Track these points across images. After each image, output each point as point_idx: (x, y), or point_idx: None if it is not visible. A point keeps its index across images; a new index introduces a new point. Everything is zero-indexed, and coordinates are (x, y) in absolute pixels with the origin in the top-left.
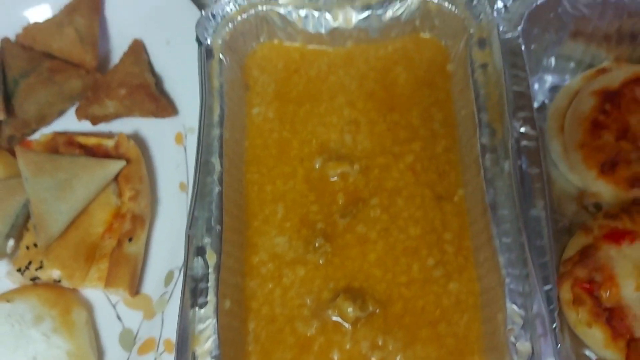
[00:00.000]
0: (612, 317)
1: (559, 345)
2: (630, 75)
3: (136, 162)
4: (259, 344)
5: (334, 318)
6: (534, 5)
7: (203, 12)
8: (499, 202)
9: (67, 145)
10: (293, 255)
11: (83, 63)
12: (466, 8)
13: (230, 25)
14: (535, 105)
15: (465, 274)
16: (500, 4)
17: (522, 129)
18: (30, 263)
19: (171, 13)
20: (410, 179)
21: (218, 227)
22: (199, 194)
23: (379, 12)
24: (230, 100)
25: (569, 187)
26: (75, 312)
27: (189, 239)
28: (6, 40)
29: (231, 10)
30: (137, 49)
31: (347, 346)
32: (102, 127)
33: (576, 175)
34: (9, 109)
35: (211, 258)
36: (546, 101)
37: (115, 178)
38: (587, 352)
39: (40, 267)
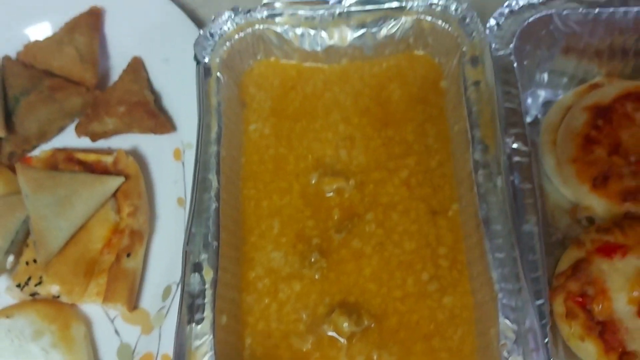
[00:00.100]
0: (604, 330)
1: None
2: (622, 91)
3: (135, 178)
4: None
5: (330, 333)
6: (526, 23)
7: (201, 31)
8: (492, 218)
9: (67, 162)
10: (289, 270)
11: (83, 81)
12: (459, 26)
13: (227, 43)
14: (529, 119)
15: (459, 288)
16: (492, 22)
17: (515, 145)
18: (29, 279)
19: (170, 31)
20: (404, 193)
21: (215, 243)
22: (196, 211)
23: (374, 30)
24: (228, 117)
25: (562, 201)
26: (74, 327)
27: (186, 255)
28: (7, 58)
29: (229, 29)
30: (137, 67)
31: None
32: (102, 143)
33: (569, 189)
34: (10, 126)
35: (208, 274)
36: (539, 116)
37: (114, 194)
38: None
39: (40, 283)
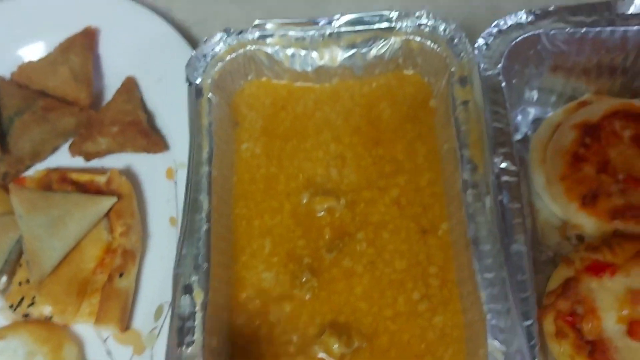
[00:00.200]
0: (594, 349)
1: None
2: (610, 109)
3: (128, 198)
4: None
5: (320, 355)
6: (514, 42)
7: (193, 52)
8: (480, 238)
9: (60, 182)
10: (280, 290)
11: (77, 101)
12: (447, 47)
13: (219, 64)
14: (519, 136)
15: (450, 306)
16: (481, 42)
17: (503, 165)
18: (22, 299)
19: (164, 51)
20: (395, 212)
21: (205, 265)
22: (187, 232)
23: (364, 50)
24: (219, 137)
25: (553, 218)
26: (67, 348)
27: (176, 278)
28: (1, 79)
29: (220, 50)
30: (130, 86)
31: None
32: (95, 162)
33: (558, 207)
34: (4, 147)
35: (198, 296)
36: (529, 133)
37: (107, 213)
38: None
39: (32, 304)
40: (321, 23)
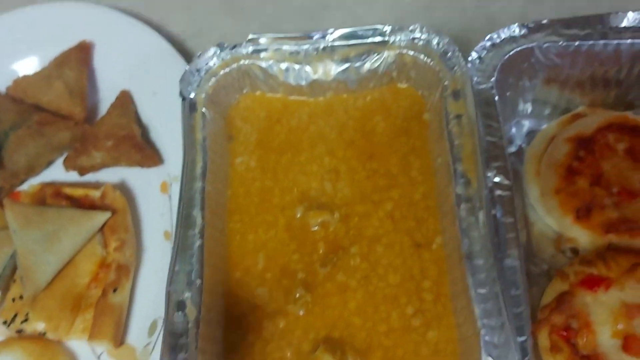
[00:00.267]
0: None
1: None
2: (603, 122)
3: (122, 213)
4: None
5: None
6: (507, 56)
7: (187, 67)
8: (474, 252)
9: (55, 197)
10: (274, 306)
11: (72, 115)
12: (441, 61)
13: (213, 79)
14: (513, 149)
15: (444, 321)
16: (474, 55)
17: (496, 179)
18: (16, 315)
19: (159, 64)
20: (389, 226)
21: (198, 281)
22: (180, 248)
23: (357, 64)
24: (213, 152)
25: (547, 230)
26: None
27: (169, 295)
28: None
29: (214, 64)
30: (125, 100)
31: None
32: (89, 176)
33: (553, 220)
34: None
35: (191, 313)
36: (523, 145)
37: (101, 228)
38: None
39: (26, 320)
40: (315, 37)
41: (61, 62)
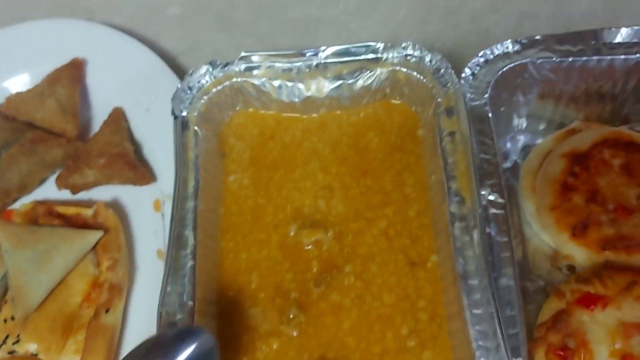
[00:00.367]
0: None
1: None
2: (599, 138)
3: (114, 231)
4: None
5: None
6: (500, 72)
7: (179, 85)
8: (469, 272)
9: (47, 216)
10: (267, 327)
11: (64, 132)
12: (434, 77)
13: (205, 97)
14: (508, 164)
15: (439, 341)
16: (467, 72)
17: (491, 197)
18: (7, 337)
19: (151, 81)
20: (383, 244)
21: (190, 303)
22: (172, 268)
23: (350, 81)
24: (206, 170)
25: (543, 246)
26: None
27: (160, 317)
28: None
29: (207, 82)
30: (117, 118)
31: None
32: (82, 194)
33: (549, 237)
34: None
35: None
36: (519, 160)
37: (94, 247)
38: None
39: (18, 341)
40: (308, 54)
41: (54, 80)
